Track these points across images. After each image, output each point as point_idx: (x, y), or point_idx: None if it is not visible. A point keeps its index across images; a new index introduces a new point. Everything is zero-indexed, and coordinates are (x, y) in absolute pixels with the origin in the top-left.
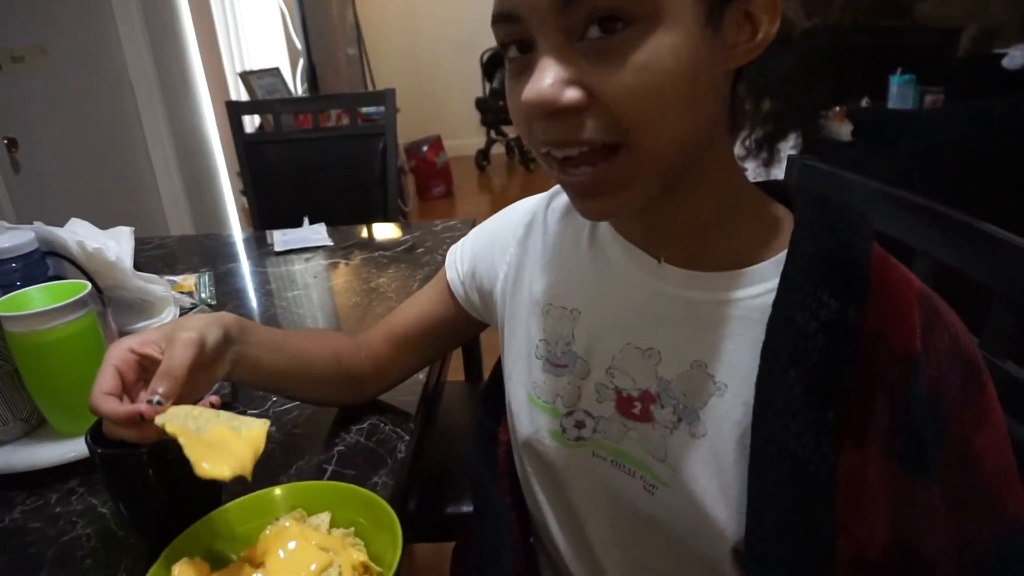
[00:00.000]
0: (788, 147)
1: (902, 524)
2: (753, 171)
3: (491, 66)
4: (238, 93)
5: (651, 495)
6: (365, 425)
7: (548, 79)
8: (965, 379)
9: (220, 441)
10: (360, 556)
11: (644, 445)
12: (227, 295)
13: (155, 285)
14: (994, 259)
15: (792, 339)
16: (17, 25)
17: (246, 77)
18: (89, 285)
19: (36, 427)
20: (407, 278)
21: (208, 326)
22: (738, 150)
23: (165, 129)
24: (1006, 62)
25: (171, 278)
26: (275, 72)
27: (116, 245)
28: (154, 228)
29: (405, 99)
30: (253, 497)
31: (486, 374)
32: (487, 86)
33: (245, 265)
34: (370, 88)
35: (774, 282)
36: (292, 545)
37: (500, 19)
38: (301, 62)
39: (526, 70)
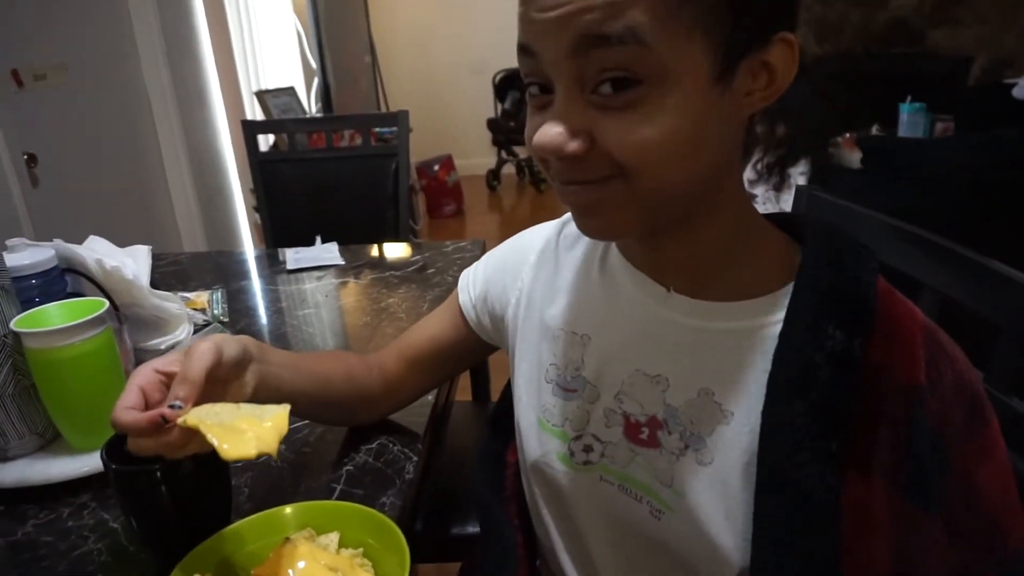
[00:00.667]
0: (798, 173)
1: (904, 554)
2: (763, 195)
3: (503, 87)
4: (253, 111)
5: (658, 520)
6: (374, 445)
7: (557, 128)
8: (969, 413)
9: (243, 426)
10: None
11: (651, 470)
12: (239, 312)
13: (170, 303)
14: (999, 295)
15: (798, 370)
16: (41, 43)
17: (261, 96)
18: (107, 303)
19: (50, 441)
20: (417, 298)
21: (225, 340)
22: (749, 173)
23: (181, 146)
24: (1016, 92)
25: (184, 295)
26: (290, 91)
27: (133, 263)
28: (167, 243)
29: (417, 118)
30: (264, 516)
31: (494, 394)
32: (499, 107)
33: (257, 283)
34: (383, 107)
35: (781, 313)
36: (302, 564)
37: (521, 50)
38: (316, 81)
39: (543, 109)
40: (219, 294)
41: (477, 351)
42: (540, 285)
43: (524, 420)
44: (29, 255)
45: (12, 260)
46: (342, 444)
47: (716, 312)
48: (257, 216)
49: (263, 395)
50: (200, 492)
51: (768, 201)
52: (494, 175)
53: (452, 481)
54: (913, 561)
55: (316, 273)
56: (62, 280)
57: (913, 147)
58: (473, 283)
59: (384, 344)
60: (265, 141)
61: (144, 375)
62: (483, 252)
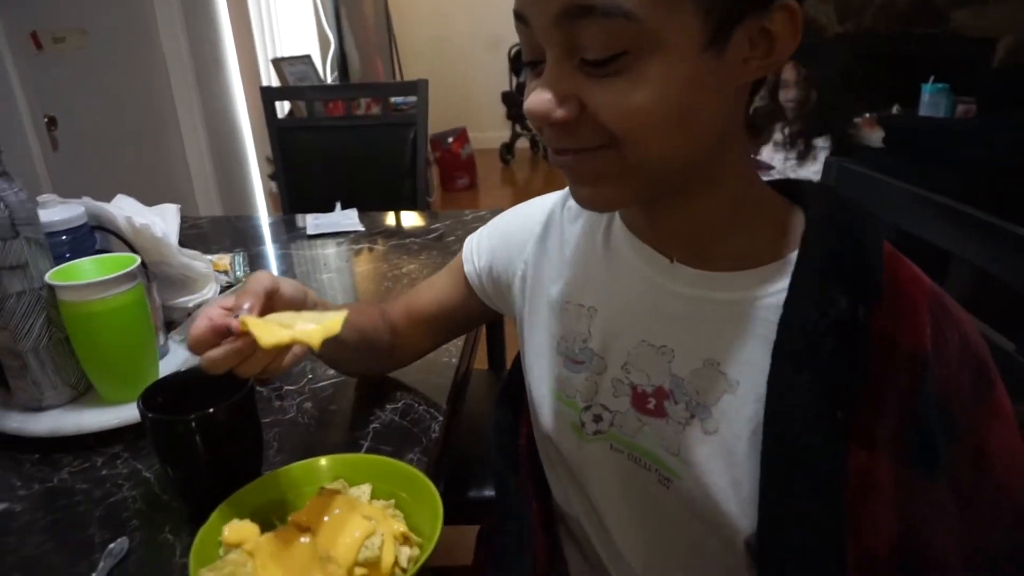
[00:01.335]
0: (820, 146)
1: (910, 522)
2: (780, 168)
3: (519, 61)
4: (269, 79)
5: (666, 488)
6: (400, 404)
7: (545, 94)
8: (975, 378)
9: (297, 323)
10: (401, 527)
11: (658, 440)
12: None
13: (198, 262)
14: None
15: (803, 338)
16: (61, 7)
17: (278, 63)
18: (138, 259)
19: (83, 393)
20: (436, 266)
21: (283, 279)
22: (778, 137)
23: (198, 111)
24: None
25: (207, 257)
26: (307, 60)
27: (162, 222)
28: (184, 208)
29: (432, 90)
30: (299, 465)
31: (509, 362)
32: (514, 80)
33: (275, 248)
34: (398, 78)
35: (786, 281)
36: (337, 511)
37: (516, 17)
38: (332, 50)
39: (537, 78)
40: (241, 257)
41: (481, 315)
42: (547, 258)
43: (536, 392)
44: (60, 212)
45: (44, 216)
46: (368, 402)
47: (720, 282)
48: (272, 184)
49: None
50: (233, 442)
51: (790, 169)
52: (508, 149)
53: (469, 446)
54: (920, 530)
55: (335, 239)
56: (91, 237)
57: (935, 127)
58: (477, 254)
59: None
60: (281, 109)
61: (211, 310)
62: None
